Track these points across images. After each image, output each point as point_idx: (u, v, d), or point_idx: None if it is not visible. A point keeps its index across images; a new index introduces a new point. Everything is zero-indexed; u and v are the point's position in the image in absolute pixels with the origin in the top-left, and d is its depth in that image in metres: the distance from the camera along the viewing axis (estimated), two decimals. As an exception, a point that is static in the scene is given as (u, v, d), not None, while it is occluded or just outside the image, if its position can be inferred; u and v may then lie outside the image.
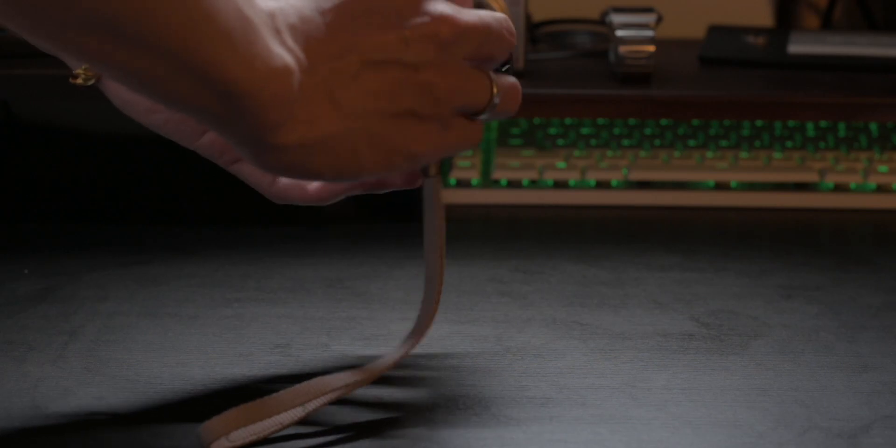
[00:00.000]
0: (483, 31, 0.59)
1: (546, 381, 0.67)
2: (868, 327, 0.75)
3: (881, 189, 1.00)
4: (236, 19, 0.51)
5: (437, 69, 0.58)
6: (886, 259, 0.87)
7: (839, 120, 1.02)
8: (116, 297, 0.79)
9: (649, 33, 1.02)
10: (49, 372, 0.67)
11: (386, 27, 0.56)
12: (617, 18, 1.04)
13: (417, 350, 0.69)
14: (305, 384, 0.61)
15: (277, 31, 0.53)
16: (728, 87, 1.04)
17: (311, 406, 0.61)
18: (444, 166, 1.02)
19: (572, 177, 1.00)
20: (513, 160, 1.02)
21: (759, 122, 1.06)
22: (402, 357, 0.64)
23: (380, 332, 0.73)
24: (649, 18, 1.04)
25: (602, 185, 1.01)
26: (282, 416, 0.60)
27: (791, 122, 1.06)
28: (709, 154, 1.02)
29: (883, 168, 1.01)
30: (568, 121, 1.06)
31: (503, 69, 0.63)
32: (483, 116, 0.60)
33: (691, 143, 1.04)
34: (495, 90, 0.60)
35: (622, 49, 1.02)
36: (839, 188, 1.00)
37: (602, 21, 1.08)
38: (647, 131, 1.05)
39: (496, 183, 1.01)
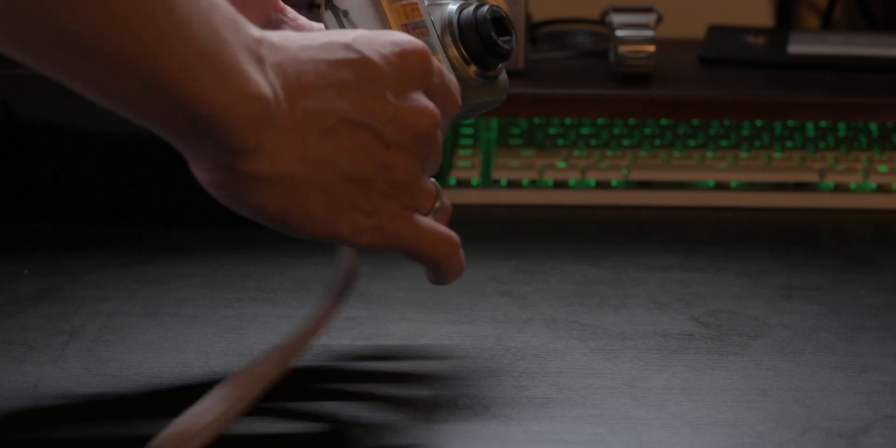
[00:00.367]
0: (440, 147, 0.61)
1: (546, 381, 0.67)
2: (868, 327, 0.75)
3: (881, 189, 1.00)
4: (210, 40, 0.50)
5: (405, 155, 0.59)
6: (886, 259, 0.87)
7: (839, 120, 1.02)
8: (116, 297, 0.79)
9: (649, 33, 1.02)
10: (49, 372, 0.67)
11: (379, 97, 0.57)
12: (617, 18, 1.04)
13: (417, 350, 0.69)
14: (229, 386, 0.59)
15: (260, 60, 0.53)
16: (728, 87, 1.04)
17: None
18: (444, 166, 1.03)
19: (572, 177, 1.00)
20: (513, 160, 1.02)
21: (759, 122, 1.06)
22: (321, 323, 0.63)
23: (380, 332, 0.73)
24: (649, 18, 1.04)
25: (602, 185, 1.01)
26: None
27: (791, 122, 1.06)
28: (709, 154, 1.02)
29: (883, 168, 1.01)
30: (568, 121, 1.06)
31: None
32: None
33: (691, 143, 1.04)
34: (437, 204, 0.62)
35: (622, 49, 1.02)
36: (839, 188, 1.00)
37: (602, 21, 1.08)
38: (647, 131, 1.05)
39: (496, 183, 1.01)
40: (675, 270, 0.85)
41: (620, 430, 0.61)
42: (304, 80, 0.55)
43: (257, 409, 0.63)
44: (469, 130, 1.06)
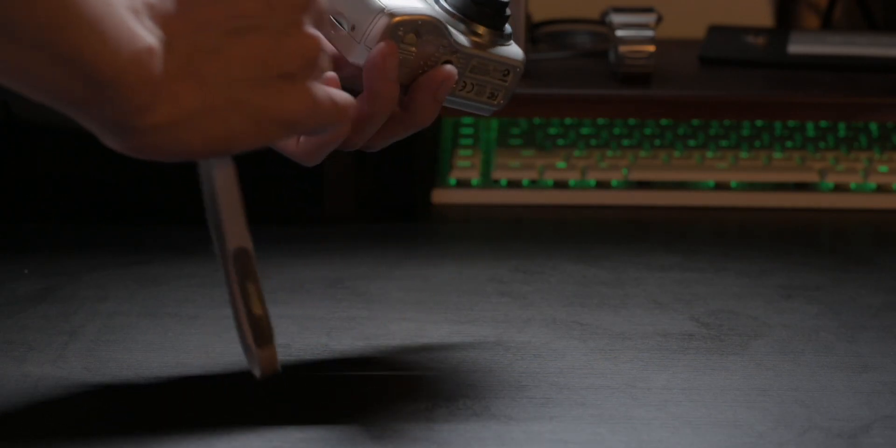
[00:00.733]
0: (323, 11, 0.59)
1: (546, 381, 0.67)
2: (868, 327, 0.75)
3: (881, 189, 1.00)
4: (99, 4, 0.50)
5: (298, 37, 0.57)
6: (886, 259, 0.87)
7: (839, 120, 1.02)
8: (116, 297, 0.79)
9: (649, 33, 1.02)
10: (49, 372, 0.67)
11: None
12: (617, 18, 1.04)
13: (417, 350, 0.69)
14: None
15: (136, 12, 0.53)
16: (728, 87, 1.04)
17: None
18: (444, 166, 1.03)
19: (572, 177, 1.00)
20: (513, 160, 1.02)
21: (759, 122, 1.06)
22: None
23: (380, 332, 0.73)
24: (649, 18, 1.04)
25: (602, 185, 1.01)
26: None
27: (791, 122, 1.06)
28: (709, 154, 1.02)
29: (883, 168, 1.01)
30: (568, 121, 1.06)
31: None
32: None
33: (691, 143, 1.04)
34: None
35: (622, 49, 1.02)
36: (839, 188, 1.00)
37: (602, 21, 1.08)
38: (647, 131, 1.05)
39: (496, 183, 1.01)
40: (675, 270, 0.85)
41: (620, 430, 0.61)
42: (174, 11, 0.54)
43: (257, 409, 0.63)
44: (469, 130, 1.06)
